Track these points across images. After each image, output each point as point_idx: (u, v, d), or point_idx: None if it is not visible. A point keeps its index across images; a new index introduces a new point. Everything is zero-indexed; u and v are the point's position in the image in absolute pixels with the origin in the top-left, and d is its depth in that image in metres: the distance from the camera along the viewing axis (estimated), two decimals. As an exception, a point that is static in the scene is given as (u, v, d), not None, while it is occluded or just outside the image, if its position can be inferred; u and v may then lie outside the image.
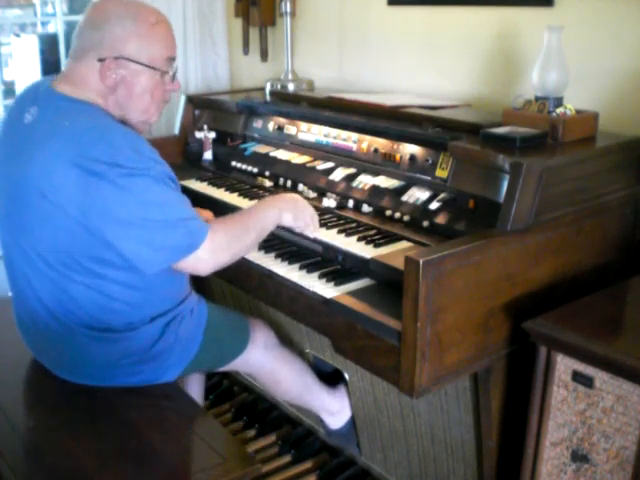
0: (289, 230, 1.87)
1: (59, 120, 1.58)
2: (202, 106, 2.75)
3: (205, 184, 2.38)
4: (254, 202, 2.15)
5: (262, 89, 2.81)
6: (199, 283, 2.76)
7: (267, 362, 2.03)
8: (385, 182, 2.00)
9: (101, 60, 1.63)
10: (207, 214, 2.00)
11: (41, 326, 1.71)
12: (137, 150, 1.55)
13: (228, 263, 1.68)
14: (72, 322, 1.67)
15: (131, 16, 1.64)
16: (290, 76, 2.76)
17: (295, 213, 1.79)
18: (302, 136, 2.34)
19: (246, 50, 3.17)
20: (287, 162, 2.30)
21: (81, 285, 1.63)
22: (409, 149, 1.98)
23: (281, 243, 1.96)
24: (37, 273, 1.65)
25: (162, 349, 1.73)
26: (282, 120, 2.43)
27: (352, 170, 2.11)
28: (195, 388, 2.14)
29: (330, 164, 2.19)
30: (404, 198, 1.91)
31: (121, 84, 1.65)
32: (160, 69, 1.69)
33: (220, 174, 2.47)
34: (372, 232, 1.85)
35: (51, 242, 1.60)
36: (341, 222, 1.93)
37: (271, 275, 1.82)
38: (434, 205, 1.82)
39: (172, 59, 1.73)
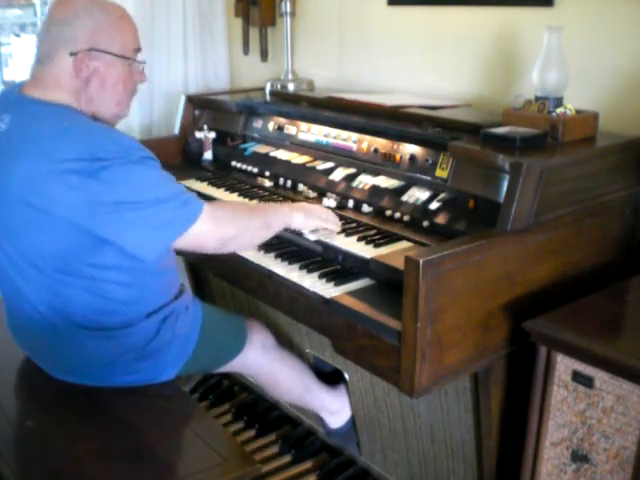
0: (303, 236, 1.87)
1: (33, 126, 1.57)
2: (202, 106, 2.75)
3: (205, 184, 2.38)
4: (254, 202, 2.15)
5: (262, 89, 2.81)
6: (198, 284, 2.77)
7: (265, 363, 2.03)
8: (385, 182, 1.99)
9: (73, 54, 1.61)
10: None
11: (35, 329, 1.70)
12: (115, 141, 1.55)
13: (236, 240, 1.67)
14: (67, 324, 1.67)
15: (99, 9, 1.64)
16: (290, 76, 2.75)
17: (305, 212, 1.80)
18: (302, 136, 2.34)
19: (246, 50, 3.17)
20: (287, 162, 2.30)
21: (75, 288, 1.63)
22: (409, 149, 1.98)
23: (281, 243, 1.96)
24: (27, 279, 1.65)
25: (159, 346, 1.74)
26: (282, 120, 2.43)
27: (352, 170, 2.11)
28: None
29: (330, 164, 2.18)
30: (404, 198, 1.91)
31: (94, 76, 1.65)
32: (130, 58, 1.70)
33: (220, 174, 2.47)
34: (372, 232, 1.85)
35: (40, 248, 1.59)
36: (341, 222, 1.93)
37: (271, 275, 1.82)
38: (434, 205, 1.82)
39: (138, 50, 1.74)
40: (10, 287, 1.71)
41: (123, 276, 1.65)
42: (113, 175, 1.50)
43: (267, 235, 1.77)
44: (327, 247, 1.84)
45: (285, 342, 2.22)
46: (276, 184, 2.27)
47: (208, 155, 2.62)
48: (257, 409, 2.62)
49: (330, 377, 2.23)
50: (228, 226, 1.64)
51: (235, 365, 1.99)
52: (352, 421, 2.22)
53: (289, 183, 2.24)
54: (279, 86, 2.73)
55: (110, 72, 1.66)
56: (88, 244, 1.57)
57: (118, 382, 1.73)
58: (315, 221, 1.81)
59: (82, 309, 1.65)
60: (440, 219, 1.79)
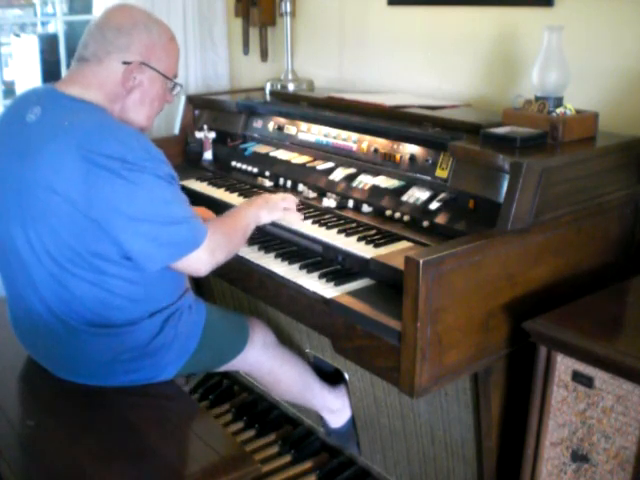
0: (280, 226, 1.94)
1: (66, 117, 1.61)
2: (202, 106, 2.75)
3: (205, 184, 2.38)
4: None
5: (262, 89, 2.81)
6: (199, 283, 2.76)
7: (266, 361, 2.04)
8: (385, 182, 1.99)
9: (126, 63, 1.69)
10: (202, 211, 2.03)
11: (40, 325, 1.71)
12: (146, 149, 1.60)
13: (222, 263, 1.74)
14: (73, 319, 1.67)
15: (156, 27, 1.74)
16: (290, 76, 2.75)
17: (268, 208, 1.88)
18: (302, 136, 2.34)
19: (246, 50, 3.17)
20: (287, 162, 2.30)
21: (83, 281, 1.64)
22: (409, 149, 1.98)
23: (281, 243, 1.96)
24: (40, 269, 1.66)
25: (161, 344, 1.74)
26: (282, 120, 2.43)
27: (352, 170, 2.11)
28: None
29: (330, 164, 2.19)
30: (404, 198, 1.91)
31: (137, 88, 1.72)
32: (171, 79, 1.80)
33: (220, 174, 2.47)
34: (372, 232, 1.85)
35: (57, 236, 1.61)
36: (341, 222, 1.93)
37: (271, 275, 1.82)
38: (434, 205, 1.82)
39: (176, 76, 1.84)
40: (22, 280, 1.71)
41: (131, 273, 1.66)
42: (139, 180, 1.55)
43: (244, 243, 1.86)
44: (327, 247, 1.84)
45: (285, 342, 2.22)
46: (276, 184, 2.27)
47: (208, 155, 2.62)
48: (257, 409, 2.62)
49: (330, 377, 2.23)
50: (221, 252, 1.71)
51: (236, 364, 2.00)
52: (352, 421, 2.23)
53: (289, 183, 2.24)
54: (279, 86, 2.73)
55: (151, 88, 1.74)
56: (101, 237, 1.59)
57: (119, 381, 1.73)
58: (278, 213, 1.90)
59: (88, 303, 1.67)
60: (440, 219, 1.79)
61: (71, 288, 1.65)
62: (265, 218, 1.88)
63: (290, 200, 1.95)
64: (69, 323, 1.68)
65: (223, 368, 2.00)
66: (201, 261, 1.66)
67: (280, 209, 1.91)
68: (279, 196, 1.96)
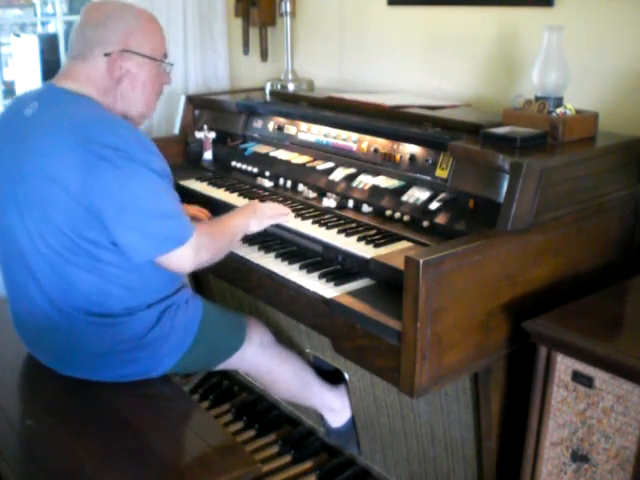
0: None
1: (62, 109, 1.65)
2: (202, 106, 2.75)
3: (205, 184, 2.38)
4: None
5: (262, 89, 2.81)
6: (199, 282, 2.77)
7: (263, 360, 2.04)
8: (385, 182, 1.99)
9: (107, 55, 1.71)
10: (196, 210, 2.08)
11: (38, 316, 1.73)
12: (139, 141, 1.63)
13: (206, 264, 1.75)
14: (70, 308, 1.70)
15: (130, 13, 1.75)
16: (290, 76, 2.75)
17: (257, 217, 1.90)
18: (302, 136, 2.34)
19: (246, 50, 3.17)
20: (287, 162, 2.30)
21: (80, 268, 1.66)
22: (409, 149, 1.98)
23: (281, 243, 1.96)
24: (39, 259, 1.68)
25: (157, 336, 1.76)
26: (282, 120, 2.43)
27: (352, 170, 2.11)
28: None
29: (330, 164, 2.18)
30: (404, 198, 1.91)
31: (126, 77, 1.75)
32: (160, 60, 1.81)
33: (220, 174, 2.47)
34: (372, 232, 1.85)
35: (52, 223, 1.63)
36: (341, 222, 1.93)
37: (271, 275, 1.82)
38: (434, 205, 1.82)
39: (166, 55, 1.85)
40: (20, 272, 1.73)
41: (124, 260, 1.67)
42: (132, 170, 1.58)
43: (230, 249, 1.87)
44: (327, 247, 1.84)
45: (285, 342, 2.22)
46: (276, 184, 2.27)
47: (208, 155, 2.62)
48: (257, 409, 2.62)
49: (330, 377, 2.23)
50: (205, 253, 1.73)
51: (233, 362, 2.00)
52: (352, 421, 2.22)
53: (289, 183, 2.24)
54: (279, 86, 2.73)
55: (140, 73, 1.76)
56: (94, 224, 1.61)
57: (116, 374, 1.75)
58: (267, 221, 1.92)
59: (85, 291, 1.69)
60: (440, 219, 1.79)
61: (69, 277, 1.67)
62: (254, 227, 1.90)
63: (278, 208, 1.96)
64: (68, 312, 1.70)
65: (221, 366, 2.00)
66: (184, 258, 1.67)
67: (268, 217, 1.92)
68: (267, 205, 1.96)
